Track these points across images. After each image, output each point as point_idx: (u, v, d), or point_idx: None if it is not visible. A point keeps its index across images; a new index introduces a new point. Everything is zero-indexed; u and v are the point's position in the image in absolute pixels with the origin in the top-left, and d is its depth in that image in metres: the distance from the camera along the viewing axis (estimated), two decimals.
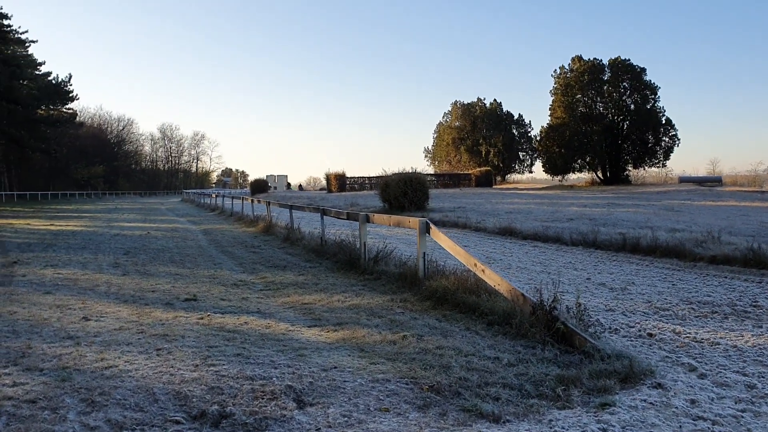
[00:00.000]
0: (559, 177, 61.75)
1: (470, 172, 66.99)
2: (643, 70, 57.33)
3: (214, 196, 36.40)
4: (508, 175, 79.29)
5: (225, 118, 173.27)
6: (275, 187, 79.08)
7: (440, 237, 7.64)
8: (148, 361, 4.72)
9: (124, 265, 10.84)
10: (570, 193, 39.07)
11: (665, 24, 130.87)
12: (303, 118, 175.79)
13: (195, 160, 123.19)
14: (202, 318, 6.42)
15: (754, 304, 7.28)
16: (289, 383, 4.14)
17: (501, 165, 76.57)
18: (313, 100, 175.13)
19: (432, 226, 7.93)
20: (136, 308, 6.97)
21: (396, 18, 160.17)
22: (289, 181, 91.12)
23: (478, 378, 4.34)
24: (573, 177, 65.22)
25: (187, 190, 69.58)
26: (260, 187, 62.02)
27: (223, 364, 4.59)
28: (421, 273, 7.98)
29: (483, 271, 6.54)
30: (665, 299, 7.65)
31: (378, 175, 29.79)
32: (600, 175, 59.29)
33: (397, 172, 26.31)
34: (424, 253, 8.04)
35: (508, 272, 10.01)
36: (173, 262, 11.47)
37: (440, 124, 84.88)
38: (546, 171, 61.91)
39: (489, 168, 68.75)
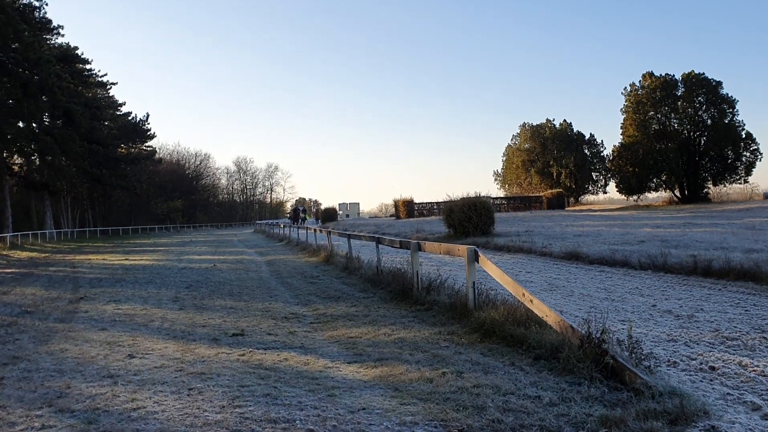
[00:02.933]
0: (635, 197, 59.66)
1: (541, 194, 65.79)
2: (719, 83, 55.03)
3: (281, 226, 37.07)
4: (582, 197, 77.45)
5: (298, 148, 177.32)
6: (347, 215, 79.95)
7: (489, 265, 7.36)
8: (177, 401, 4.67)
9: (183, 299, 11.01)
10: (645, 214, 37.59)
11: (740, 36, 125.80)
12: (374, 145, 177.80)
13: (269, 191, 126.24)
14: (243, 354, 6.37)
15: None
16: (311, 427, 3.98)
17: (574, 186, 74.94)
18: (385, 127, 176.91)
19: (481, 254, 7.66)
20: (183, 344, 6.99)
21: (463, 43, 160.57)
22: (361, 208, 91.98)
23: (513, 420, 4.06)
24: (651, 196, 63.06)
25: (260, 221, 71.15)
26: (329, 215, 62.79)
27: (250, 406, 4.49)
28: (471, 303, 7.72)
29: (531, 301, 6.23)
30: (735, 327, 7.10)
31: (445, 200, 29.60)
32: (678, 193, 56.98)
33: (463, 196, 26.00)
34: (474, 282, 7.77)
35: (570, 299, 9.59)
36: (231, 294, 11.58)
37: (509, 146, 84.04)
38: (620, 191, 59.96)
39: (561, 190, 67.35)
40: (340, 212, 75.27)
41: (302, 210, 51.83)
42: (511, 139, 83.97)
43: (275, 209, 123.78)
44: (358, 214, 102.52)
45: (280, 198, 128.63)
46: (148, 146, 72.49)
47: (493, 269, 7.27)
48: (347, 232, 18.32)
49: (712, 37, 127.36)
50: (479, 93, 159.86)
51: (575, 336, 5.31)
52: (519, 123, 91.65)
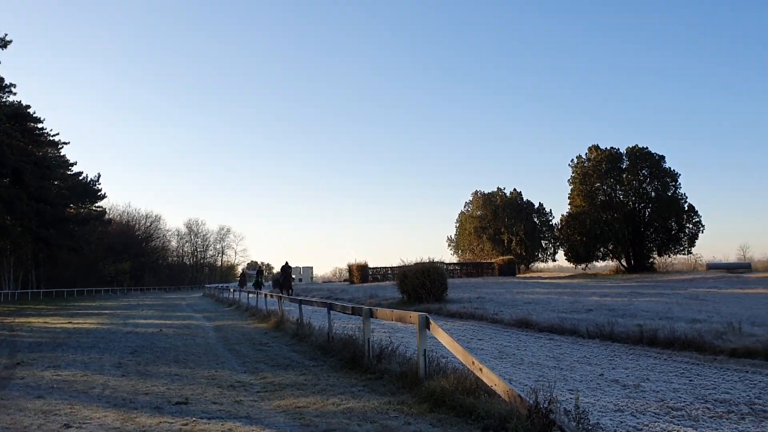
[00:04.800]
0: (583, 265, 60.96)
1: (493, 260, 66.59)
2: (662, 157, 57.51)
3: (231, 290, 36.63)
4: (532, 264, 78.66)
5: (251, 212, 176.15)
6: (300, 279, 79.18)
7: (439, 333, 7.37)
8: None
9: (126, 365, 10.63)
10: (593, 282, 38.35)
11: (682, 112, 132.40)
12: (328, 210, 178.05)
13: (220, 254, 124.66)
14: (186, 424, 6.16)
15: None
16: None
17: (524, 253, 76.17)
18: (338, 191, 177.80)
19: (432, 321, 7.68)
20: (124, 413, 6.72)
21: (417, 110, 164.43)
22: (315, 272, 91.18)
23: None
24: (599, 265, 64.43)
25: (209, 285, 69.83)
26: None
27: None
28: (421, 372, 7.67)
29: (481, 369, 6.24)
30: (680, 397, 7.22)
31: (399, 265, 29.70)
32: (624, 263, 58.46)
33: (417, 261, 26.10)
34: (425, 350, 7.75)
35: (520, 368, 9.64)
36: (177, 361, 11.24)
37: (462, 213, 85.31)
38: (568, 259, 61.31)
39: (512, 257, 68.34)
40: (294, 276, 74.68)
41: (258, 272, 47.57)
42: (464, 206, 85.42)
43: (226, 273, 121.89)
44: (312, 278, 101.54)
45: (231, 261, 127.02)
46: (98, 206, 71.10)
47: (443, 337, 7.27)
48: (299, 298, 18.12)
49: (655, 113, 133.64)
50: (434, 159, 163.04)
51: (523, 406, 5.32)
52: (472, 190, 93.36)
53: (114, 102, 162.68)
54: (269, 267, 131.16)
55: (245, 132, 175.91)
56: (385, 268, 61.49)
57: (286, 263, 35.79)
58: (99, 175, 67.41)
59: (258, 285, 42.56)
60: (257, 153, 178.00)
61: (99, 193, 68.30)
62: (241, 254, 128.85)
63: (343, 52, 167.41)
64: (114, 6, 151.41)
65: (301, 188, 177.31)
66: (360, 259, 63.45)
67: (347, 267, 66.27)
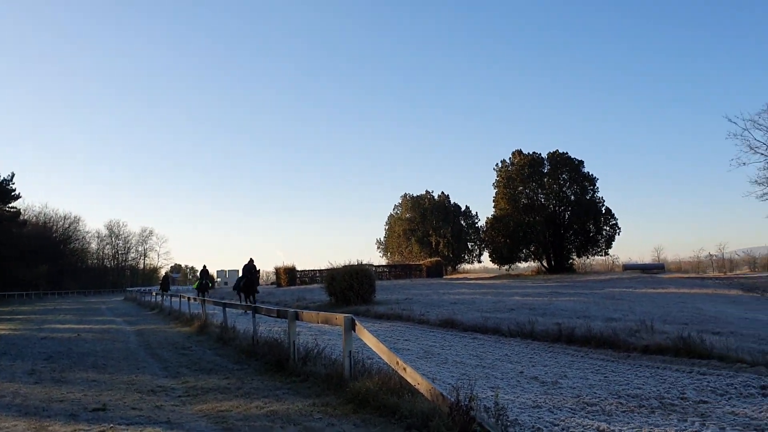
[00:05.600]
0: (507, 266, 62.51)
1: (421, 263, 67.28)
2: (581, 162, 59.64)
3: (154, 294, 35.67)
4: (459, 265, 79.94)
5: (175, 214, 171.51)
6: (226, 283, 77.65)
7: (365, 334, 7.42)
8: None
9: (40, 372, 10.21)
10: (516, 283, 39.36)
11: (600, 118, 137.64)
12: (255, 212, 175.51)
13: (143, 257, 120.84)
14: (103, 431, 5.98)
15: (681, 396, 7.20)
16: None
17: (451, 255, 77.32)
18: (266, 194, 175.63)
19: (357, 322, 7.72)
20: (36, 422, 6.46)
21: (346, 113, 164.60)
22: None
23: None
24: (522, 266, 66.14)
25: (131, 288, 67.69)
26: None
27: None
28: (347, 373, 7.70)
29: (404, 369, 6.32)
30: (595, 393, 7.52)
31: (327, 267, 29.61)
32: (545, 263, 60.26)
33: (346, 264, 26.13)
34: (350, 351, 7.78)
35: (444, 367, 9.80)
36: (95, 367, 10.87)
37: (391, 215, 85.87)
38: (493, 261, 62.74)
39: (439, 259, 69.25)
40: (219, 279, 73.11)
41: (203, 273, 35.71)
42: (393, 209, 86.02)
43: (149, 275, 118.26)
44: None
45: (154, 264, 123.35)
46: (12, 207, 67.75)
47: (369, 338, 7.32)
48: (223, 301, 17.83)
49: (575, 119, 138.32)
50: (364, 162, 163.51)
51: (445, 404, 5.43)
52: (401, 193, 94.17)
53: (29, 99, 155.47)
54: (194, 270, 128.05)
55: (167, 131, 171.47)
56: (314, 270, 61.15)
57: (251, 261, 26.97)
58: (12, 175, 64.42)
59: (203, 288, 33.79)
60: (182, 154, 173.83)
61: (13, 193, 65.17)
62: (165, 257, 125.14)
63: (267, 49, 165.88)
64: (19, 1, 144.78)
65: (227, 191, 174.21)
66: (288, 262, 62.94)
67: (274, 270, 65.57)
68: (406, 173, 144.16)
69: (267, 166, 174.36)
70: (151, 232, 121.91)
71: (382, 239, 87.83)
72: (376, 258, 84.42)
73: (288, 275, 57.90)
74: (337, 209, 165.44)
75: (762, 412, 6.34)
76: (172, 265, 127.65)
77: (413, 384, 6.14)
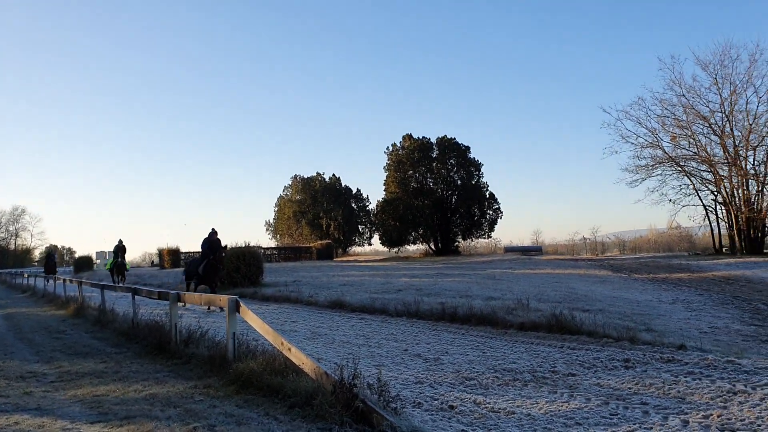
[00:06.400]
0: (396, 249, 63.59)
1: (311, 245, 67.08)
2: (468, 148, 61.41)
3: (26, 275, 33.44)
4: (350, 248, 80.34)
5: (50, 192, 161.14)
6: (105, 264, 74.16)
7: (249, 315, 7.33)
8: None
9: None
10: (404, 265, 40.10)
11: (487, 106, 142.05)
12: (138, 192, 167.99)
13: (14, 237, 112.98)
14: None
15: (552, 369, 7.64)
16: None
17: (342, 238, 77.55)
18: (148, 173, 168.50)
19: (242, 304, 7.61)
20: None
21: (235, 93, 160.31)
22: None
23: None
24: (411, 248, 67.42)
25: (0, 270, 63.23)
26: (85, 264, 57.80)
27: None
28: (230, 355, 7.58)
29: (289, 349, 6.31)
30: (473, 368, 7.83)
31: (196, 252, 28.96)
32: (433, 246, 61.77)
33: (233, 246, 25.62)
34: (234, 333, 7.67)
35: (331, 347, 9.88)
36: None
37: (281, 197, 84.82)
38: (383, 243, 63.62)
39: (330, 241, 69.28)
40: (98, 261, 69.65)
41: (118, 249, 29.60)
42: (283, 190, 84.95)
43: (21, 257, 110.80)
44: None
45: (27, 244, 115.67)
46: None
47: (253, 319, 7.25)
48: (101, 283, 17.02)
49: (462, 106, 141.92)
50: (253, 142, 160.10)
51: (329, 382, 5.48)
52: (291, 174, 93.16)
53: None
54: (71, 251, 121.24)
55: (41, 106, 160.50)
56: (198, 252, 59.44)
57: (213, 233, 17.99)
58: None
59: (119, 268, 29.07)
60: (61, 130, 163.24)
61: None
62: (39, 237, 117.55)
63: (154, 27, 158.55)
64: None
65: (107, 169, 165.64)
66: (172, 243, 60.84)
67: (157, 251, 63.27)
68: (297, 154, 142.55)
69: (150, 146, 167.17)
70: (23, 211, 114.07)
71: (271, 221, 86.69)
72: (265, 240, 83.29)
73: (172, 257, 55.96)
74: (224, 190, 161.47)
75: (624, 383, 6.83)
76: (47, 246, 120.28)
77: (298, 364, 6.14)
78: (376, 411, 4.98)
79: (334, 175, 79.95)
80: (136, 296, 12.30)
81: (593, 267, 30.87)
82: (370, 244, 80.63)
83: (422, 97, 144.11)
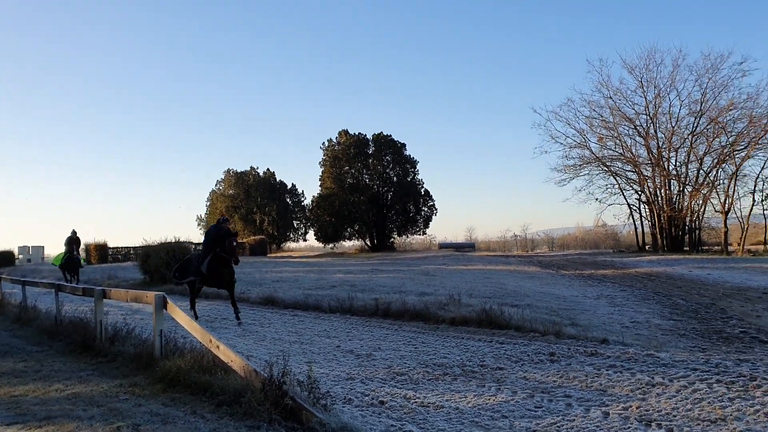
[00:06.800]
0: (332, 245, 63.53)
1: (245, 240, 66.18)
2: (404, 145, 61.85)
3: None
4: (284, 243, 79.65)
5: None
6: (29, 260, 71.04)
7: (177, 312, 7.19)
8: None
9: None
10: (340, 260, 40.05)
11: (423, 104, 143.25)
12: (63, 185, 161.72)
13: None
14: None
15: (481, 364, 7.80)
16: None
17: (276, 233, 76.80)
18: (75, 165, 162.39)
19: (169, 301, 7.46)
20: None
21: (163, 82, 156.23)
22: (47, 252, 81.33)
23: None
24: (347, 244, 67.41)
25: None
26: (7, 260, 55.36)
27: None
28: (157, 352, 7.42)
29: (218, 347, 6.23)
30: (405, 363, 7.91)
31: (142, 245, 28.05)
32: (368, 242, 61.98)
33: (163, 242, 25.01)
34: (161, 330, 7.50)
35: (262, 344, 9.79)
36: None
37: (214, 191, 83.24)
38: (318, 239, 63.47)
39: (263, 237, 68.52)
40: (20, 256, 66.74)
41: (71, 241, 24.98)
42: (216, 185, 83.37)
43: None
44: (43, 258, 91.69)
45: None
46: None
47: (181, 316, 7.11)
48: (22, 279, 16.33)
49: (398, 103, 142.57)
50: (184, 135, 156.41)
51: (258, 380, 5.43)
52: (224, 168, 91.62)
53: None
54: None
55: None
56: (128, 247, 57.80)
57: (224, 221, 13.60)
58: None
59: (71, 264, 24.76)
60: None
61: None
62: None
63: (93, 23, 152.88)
64: None
65: (30, 160, 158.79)
66: (99, 239, 58.96)
67: (84, 246, 61.11)
68: (230, 148, 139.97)
69: (76, 137, 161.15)
70: None
71: (203, 216, 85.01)
72: (197, 235, 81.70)
73: (99, 252, 54.25)
74: (154, 184, 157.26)
75: (549, 376, 7.04)
76: None
77: (227, 362, 6.07)
78: (306, 408, 4.98)
79: (268, 169, 79.02)
80: (59, 293, 11.86)
81: (523, 263, 31.59)
82: (305, 240, 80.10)
83: (359, 93, 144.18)
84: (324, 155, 62.44)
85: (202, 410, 5.48)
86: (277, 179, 78.58)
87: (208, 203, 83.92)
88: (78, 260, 25.45)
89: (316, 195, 63.05)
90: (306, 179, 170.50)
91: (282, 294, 16.52)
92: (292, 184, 79.41)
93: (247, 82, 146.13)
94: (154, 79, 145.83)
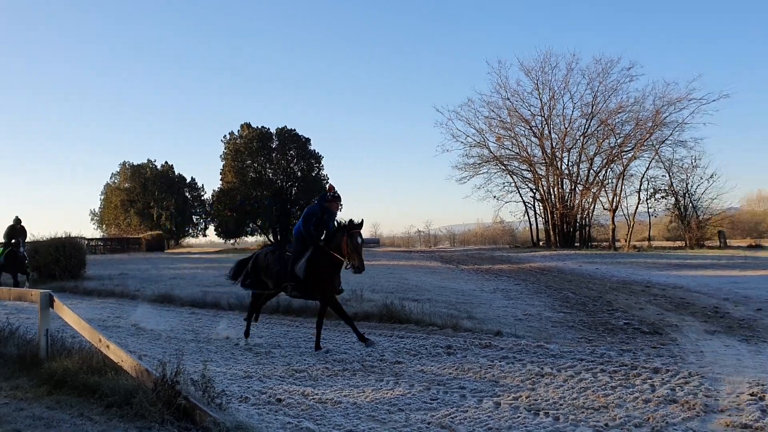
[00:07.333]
0: (233, 240, 62.39)
1: (141, 236, 63.88)
2: (308, 140, 61.61)
3: None
4: (183, 239, 77.43)
5: None
6: None
7: (64, 311, 6.86)
8: None
9: None
10: (241, 256, 39.43)
11: (328, 99, 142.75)
12: None
13: None
14: None
15: (381, 358, 7.90)
16: None
17: (174, 229, 74.52)
18: None
19: (56, 299, 7.10)
20: None
21: (59, 72, 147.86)
22: None
23: None
24: (249, 240, 66.36)
25: None
26: None
27: None
28: (43, 353, 7.04)
29: (108, 347, 5.99)
30: (304, 360, 7.90)
31: (30, 240, 26.43)
32: (272, 238, 61.32)
33: (52, 237, 23.71)
34: (47, 330, 7.13)
35: (157, 343, 9.51)
36: None
37: (108, 185, 79.70)
38: (219, 235, 62.17)
39: (161, 232, 66.41)
40: None
41: (17, 230, 19.65)
42: (111, 178, 79.88)
43: None
44: None
45: None
46: None
47: (69, 315, 6.79)
48: None
49: (303, 98, 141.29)
50: (75, 125, 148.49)
51: (150, 380, 5.28)
52: (120, 161, 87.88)
53: None
54: None
55: None
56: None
57: (334, 194, 9.60)
58: None
59: (15, 263, 19.43)
60: None
61: None
62: None
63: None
64: None
65: None
66: None
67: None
68: (126, 140, 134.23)
69: None
70: None
71: (96, 210, 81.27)
72: (90, 230, 77.89)
73: None
74: (43, 176, 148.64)
75: (445, 368, 7.24)
76: None
77: (117, 362, 5.86)
78: (200, 407, 4.88)
79: (166, 162, 76.40)
80: None
81: (425, 259, 32.27)
82: (205, 236, 78.12)
83: (263, 86, 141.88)
84: (225, 148, 61.21)
85: (90, 413, 5.26)
86: (176, 172, 76.21)
87: (102, 197, 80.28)
88: (23, 255, 19.44)
89: (216, 189, 61.77)
90: (206, 173, 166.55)
91: (179, 291, 16.07)
92: (192, 177, 77.20)
93: (145, 73, 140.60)
94: (47, 71, 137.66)
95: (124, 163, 78.27)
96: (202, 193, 76.31)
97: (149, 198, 73.49)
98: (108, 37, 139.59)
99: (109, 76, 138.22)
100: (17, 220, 19.86)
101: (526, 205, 48.36)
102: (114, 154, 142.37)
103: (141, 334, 10.45)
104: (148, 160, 76.79)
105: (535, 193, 47.93)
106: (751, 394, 5.78)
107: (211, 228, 69.05)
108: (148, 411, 4.98)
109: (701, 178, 41.63)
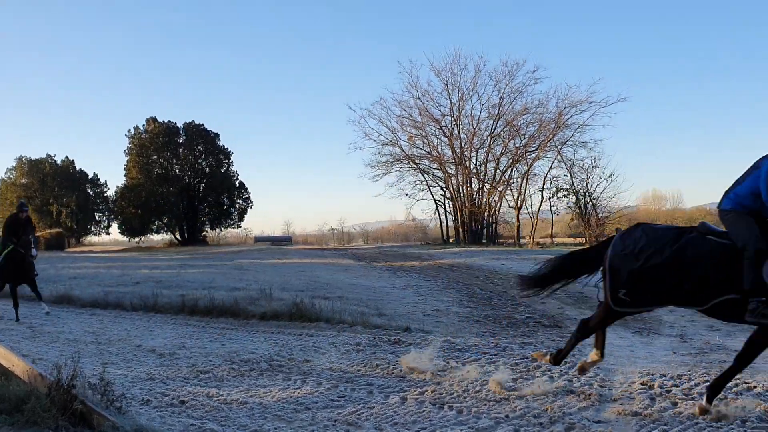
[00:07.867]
0: (138, 239, 60.30)
1: (39, 234, 60.62)
2: (217, 135, 60.35)
3: None
4: (85, 237, 74.15)
5: None
6: None
7: None
8: None
9: None
10: (146, 255, 38.20)
11: (240, 94, 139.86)
12: None
13: None
14: None
15: (289, 357, 7.84)
16: None
17: (75, 226, 71.23)
18: None
19: None
20: None
21: None
22: None
23: None
24: (155, 238, 64.34)
25: None
26: None
27: None
28: None
29: None
30: (210, 361, 7.74)
31: None
32: (178, 236, 59.71)
33: None
34: None
35: (54, 346, 9.10)
36: None
37: (3, 181, 75.22)
38: (122, 233, 60.00)
39: (61, 230, 63.37)
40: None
41: (20, 223, 12.50)
42: (6, 173, 75.44)
43: None
44: None
45: None
46: None
47: None
48: None
49: (212, 92, 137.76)
50: None
51: (44, 384, 5.03)
52: (16, 156, 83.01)
53: None
54: None
55: None
56: None
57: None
58: None
59: (18, 263, 12.54)
60: None
61: None
62: None
63: None
64: None
65: None
66: None
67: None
68: (23, 134, 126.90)
69: None
70: None
71: None
72: None
73: None
74: None
75: (354, 366, 7.27)
76: None
77: (8, 366, 5.56)
78: (97, 411, 4.70)
79: (67, 157, 72.86)
80: None
81: (338, 256, 32.31)
82: (108, 234, 75.08)
83: (169, 80, 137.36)
84: (130, 143, 59.12)
85: None
86: (77, 168, 72.83)
87: None
88: (31, 255, 12.78)
89: (120, 185, 59.49)
90: (110, 169, 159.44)
91: (79, 292, 15.38)
92: (94, 173, 73.94)
93: (44, 64, 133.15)
94: None
95: (20, 158, 73.94)
96: (106, 190, 73.23)
97: (48, 194, 69.84)
98: (1, 27, 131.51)
99: (3, 67, 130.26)
100: (22, 207, 13.36)
101: (436, 203, 49.36)
102: (9, 148, 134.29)
103: (37, 336, 9.96)
104: (48, 154, 72.88)
105: (445, 192, 49.00)
106: (642, 383, 6.13)
107: (115, 226, 66.53)
108: (41, 417, 4.73)
109: (600, 178, 43.74)
